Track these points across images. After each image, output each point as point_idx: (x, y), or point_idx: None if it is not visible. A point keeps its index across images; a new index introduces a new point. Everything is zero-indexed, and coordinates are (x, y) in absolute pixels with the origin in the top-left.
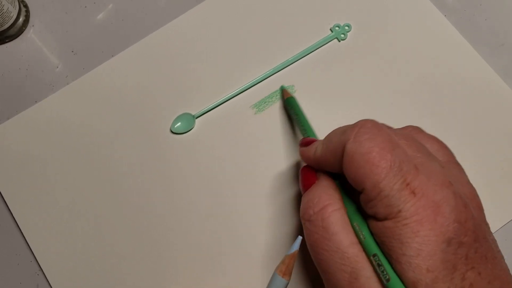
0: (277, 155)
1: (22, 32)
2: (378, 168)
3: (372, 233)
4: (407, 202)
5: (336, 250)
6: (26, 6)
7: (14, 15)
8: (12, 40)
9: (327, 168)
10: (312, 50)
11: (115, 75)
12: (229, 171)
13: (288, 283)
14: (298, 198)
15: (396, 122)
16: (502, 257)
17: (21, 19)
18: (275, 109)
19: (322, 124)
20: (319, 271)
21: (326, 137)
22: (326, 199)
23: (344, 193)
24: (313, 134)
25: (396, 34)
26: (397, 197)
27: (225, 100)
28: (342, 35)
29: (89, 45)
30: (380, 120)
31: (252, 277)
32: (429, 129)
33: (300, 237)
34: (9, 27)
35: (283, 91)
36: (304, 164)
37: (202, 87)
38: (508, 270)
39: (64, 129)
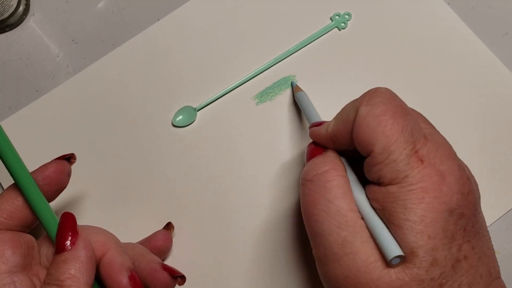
0: (280, 145)
1: (23, 21)
2: (390, 130)
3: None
4: (414, 168)
5: (336, 212)
6: None
7: (14, 3)
8: (12, 29)
9: (339, 144)
10: (313, 39)
11: (116, 68)
12: (232, 163)
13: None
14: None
15: None
16: (490, 237)
17: (21, 8)
18: (277, 100)
19: (324, 113)
20: (310, 234)
21: (339, 112)
22: (331, 165)
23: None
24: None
25: (397, 23)
26: (405, 162)
27: (226, 92)
28: (343, 24)
29: (89, 34)
30: None
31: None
32: (432, 118)
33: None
34: (9, 16)
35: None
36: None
37: (203, 79)
38: (494, 250)
39: (66, 122)
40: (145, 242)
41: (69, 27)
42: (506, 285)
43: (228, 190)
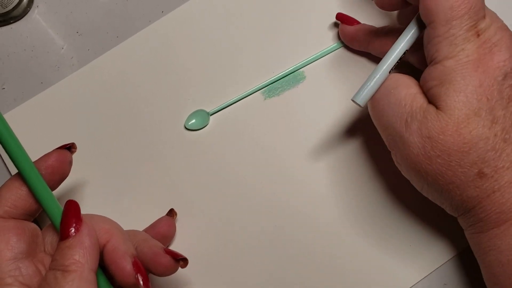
0: (294, 151)
1: (27, 13)
2: (460, 6)
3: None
4: (470, 41)
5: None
6: None
7: None
8: (16, 21)
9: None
10: (332, 50)
11: (123, 63)
12: (244, 168)
13: None
14: (319, 188)
15: None
16: None
17: (25, 0)
18: (287, 100)
19: (333, 111)
20: (381, 129)
21: None
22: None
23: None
24: None
25: None
26: (464, 37)
27: (240, 98)
28: None
29: (94, 26)
30: None
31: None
32: None
33: None
34: (13, 8)
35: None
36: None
37: (217, 83)
38: None
39: (71, 115)
40: (149, 229)
41: (74, 19)
42: None
43: (242, 194)
